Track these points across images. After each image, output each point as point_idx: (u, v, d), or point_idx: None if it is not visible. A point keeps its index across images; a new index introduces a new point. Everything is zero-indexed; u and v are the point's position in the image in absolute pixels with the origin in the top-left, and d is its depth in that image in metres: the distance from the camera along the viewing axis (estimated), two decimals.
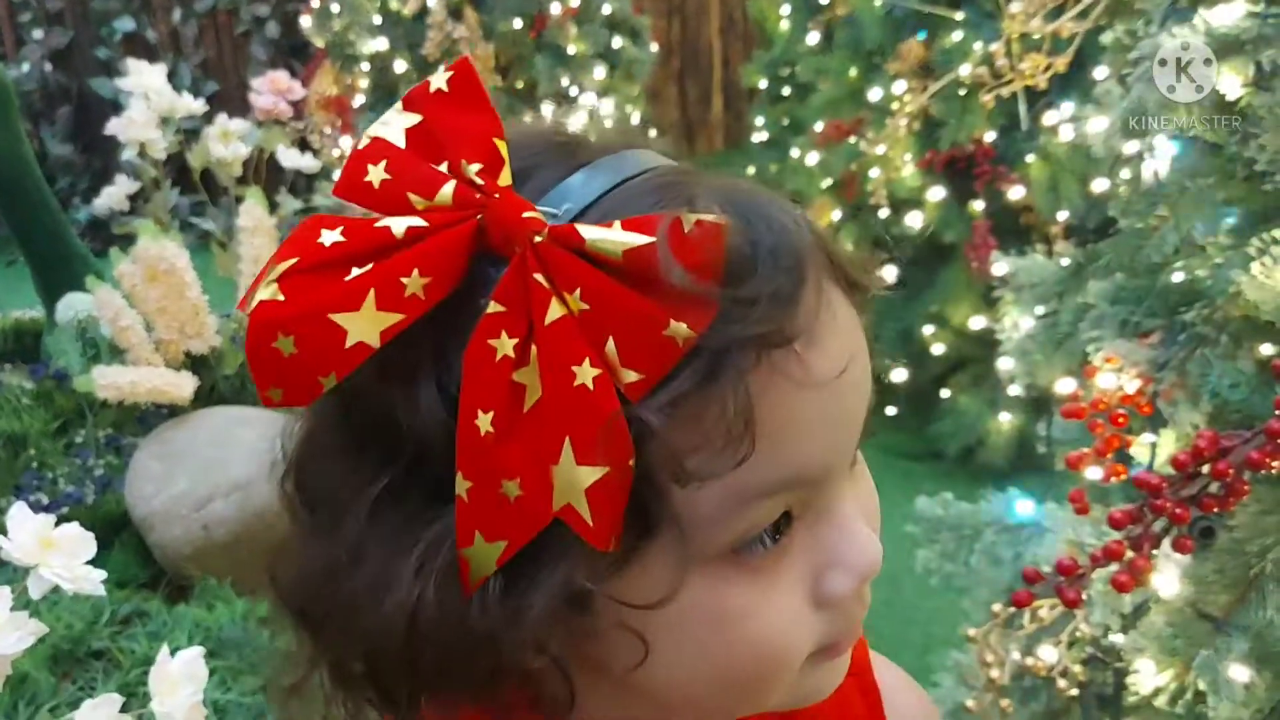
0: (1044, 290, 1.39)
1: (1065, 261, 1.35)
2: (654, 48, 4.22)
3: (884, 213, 2.65)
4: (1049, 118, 2.07)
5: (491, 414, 0.36)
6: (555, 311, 0.36)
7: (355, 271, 0.37)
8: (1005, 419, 2.40)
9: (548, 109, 3.91)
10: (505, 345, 0.36)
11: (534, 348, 0.36)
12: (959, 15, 2.32)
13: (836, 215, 2.81)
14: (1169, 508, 0.90)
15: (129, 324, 2.27)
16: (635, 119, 4.28)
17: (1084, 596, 0.94)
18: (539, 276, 0.36)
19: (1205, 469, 0.90)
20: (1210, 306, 1.05)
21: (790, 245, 0.38)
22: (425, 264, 0.37)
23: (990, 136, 2.35)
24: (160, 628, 2.01)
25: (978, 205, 2.39)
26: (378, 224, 0.37)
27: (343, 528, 0.40)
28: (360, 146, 0.40)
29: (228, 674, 1.88)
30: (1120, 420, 1.19)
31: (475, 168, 0.39)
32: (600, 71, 3.87)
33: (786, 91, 4.18)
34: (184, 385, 2.26)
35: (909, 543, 1.42)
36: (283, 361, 0.36)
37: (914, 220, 2.56)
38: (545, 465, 0.36)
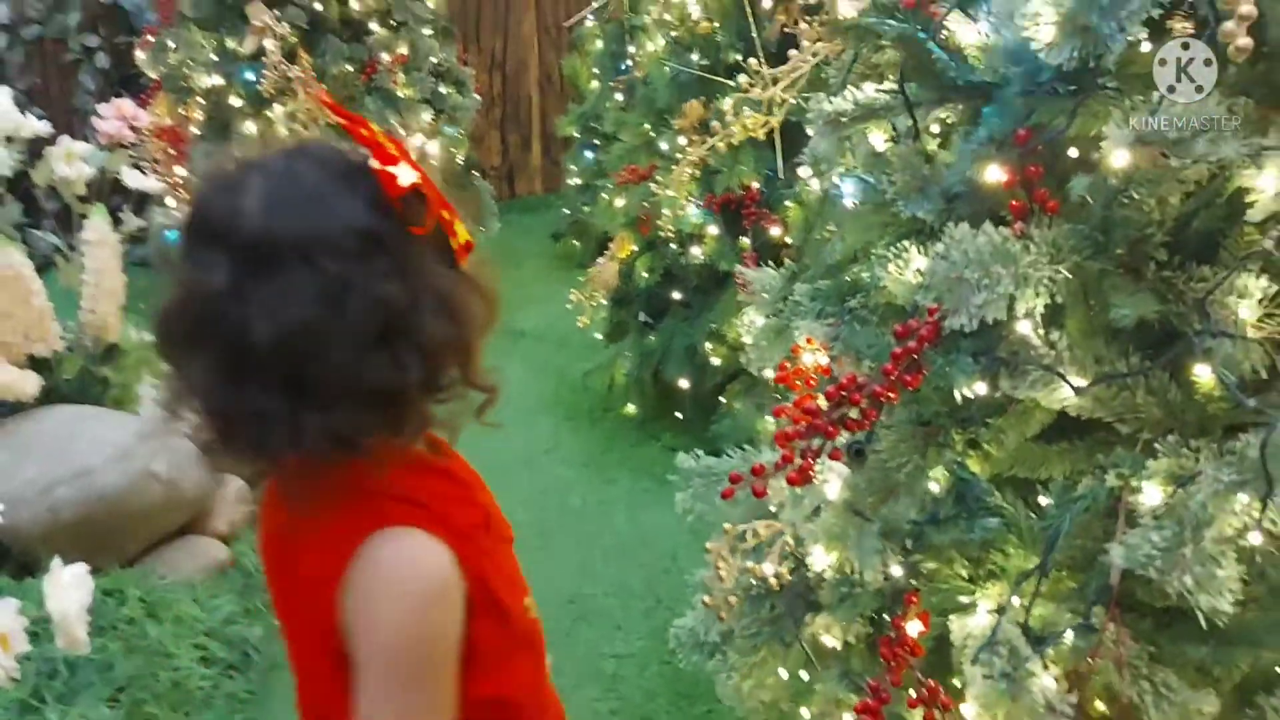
0: (773, 294, 1.81)
1: (785, 272, 1.77)
2: (477, 97, 4.57)
3: (673, 246, 3.08)
4: (802, 171, 2.53)
5: (446, 211, 0.84)
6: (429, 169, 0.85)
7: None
8: (770, 420, 2.84)
9: None
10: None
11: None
12: (732, 82, 2.77)
13: (635, 247, 3.21)
14: (824, 426, 1.30)
15: None
16: (460, 159, 4.61)
17: (769, 491, 1.33)
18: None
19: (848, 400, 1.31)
20: (867, 296, 1.47)
21: None
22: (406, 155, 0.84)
23: (757, 184, 2.81)
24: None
25: (746, 240, 2.84)
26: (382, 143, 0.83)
27: (433, 291, 0.82)
28: (344, 117, 0.86)
29: None
30: (811, 382, 1.61)
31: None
32: (427, 115, 4.19)
33: (596, 141, 4.62)
34: (29, 382, 2.44)
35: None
36: (426, 197, 0.82)
37: (697, 252, 3.00)
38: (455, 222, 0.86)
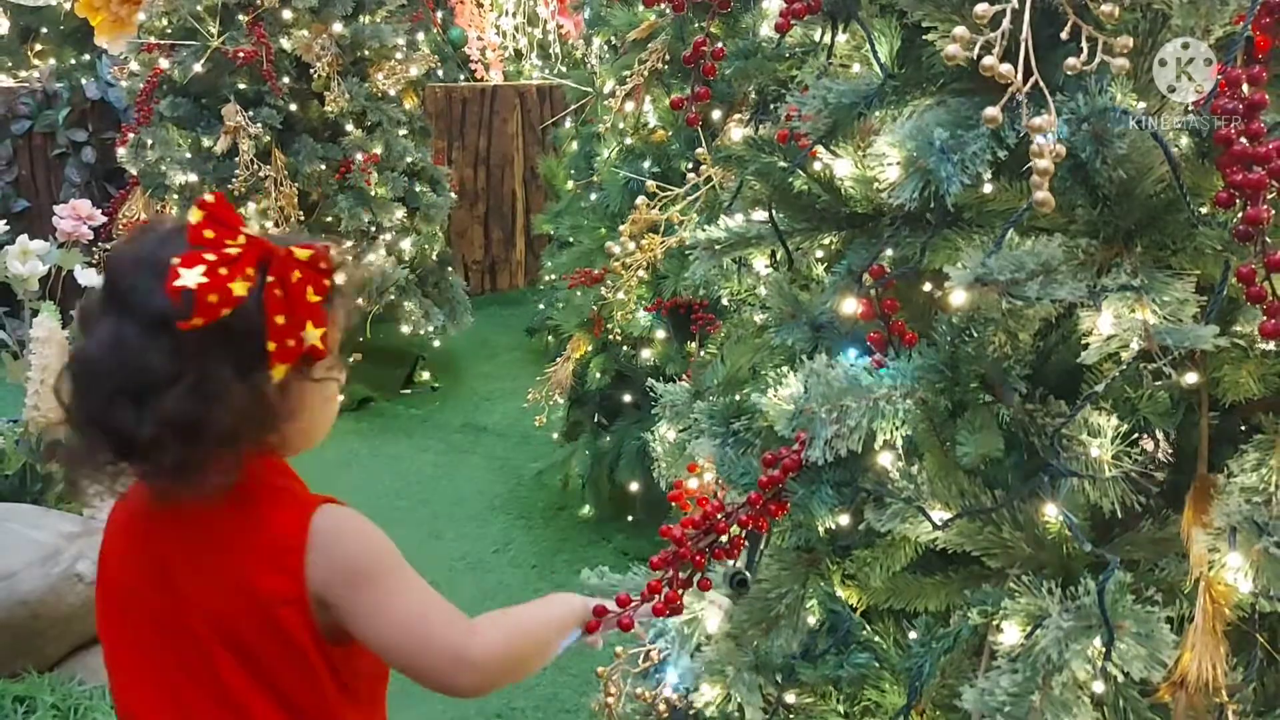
0: (681, 409, 1.80)
1: (690, 387, 1.77)
2: (453, 195, 4.64)
3: (625, 348, 3.09)
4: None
5: (282, 317, 1.00)
6: (294, 277, 1.01)
7: (223, 270, 0.98)
8: None
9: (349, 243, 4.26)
10: (279, 292, 1.00)
11: (289, 291, 1.01)
12: (682, 190, 2.81)
13: (589, 348, 3.22)
14: (689, 555, 1.28)
15: None
16: (434, 255, 4.66)
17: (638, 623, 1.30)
18: (284, 266, 1.01)
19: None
20: (751, 419, 1.46)
21: (339, 256, 1.08)
22: (250, 264, 1.00)
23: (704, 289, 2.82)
24: None
25: (693, 345, 2.85)
26: (225, 251, 0.99)
27: (199, 382, 0.99)
28: (193, 223, 1.01)
29: None
30: (703, 502, 1.59)
31: (246, 230, 1.03)
32: (400, 213, 4.25)
33: (571, 240, 4.68)
34: None
35: None
36: (210, 305, 0.96)
37: (647, 355, 3.00)
38: (299, 332, 1.01)
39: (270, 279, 1.01)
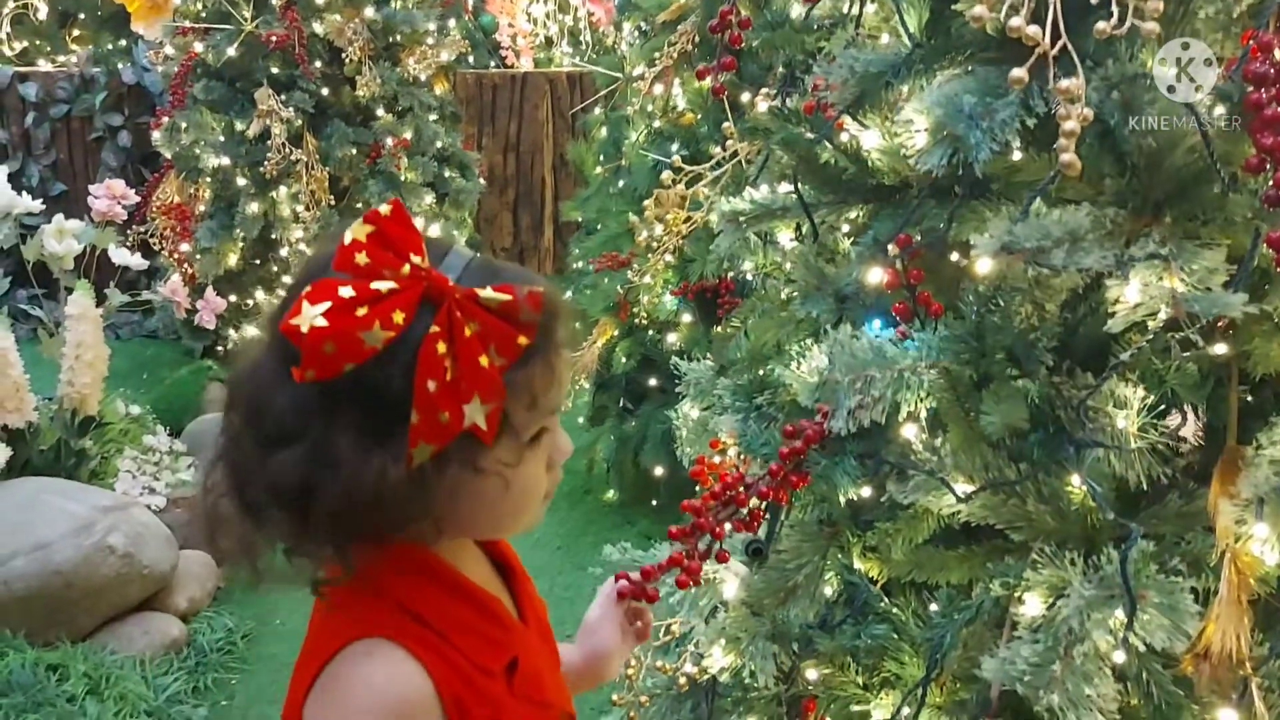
0: (704, 386, 1.80)
1: (714, 365, 1.77)
2: (482, 181, 4.66)
3: (651, 332, 3.10)
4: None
5: (435, 382, 0.73)
6: (468, 331, 0.74)
7: (361, 310, 0.72)
8: None
9: None
10: (442, 347, 0.73)
11: (456, 348, 0.74)
12: (707, 166, 2.80)
13: (615, 333, 3.23)
14: (709, 526, 1.28)
15: None
16: (462, 241, 4.68)
17: (660, 593, 1.31)
18: (458, 313, 0.74)
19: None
20: (774, 393, 1.46)
21: (561, 301, 0.81)
22: (404, 306, 0.74)
23: (733, 272, 2.82)
24: None
25: (719, 328, 2.84)
26: (373, 285, 0.73)
27: (316, 445, 0.75)
28: (346, 241, 0.74)
29: (13, 711, 2.07)
30: (725, 476, 1.59)
31: (418, 259, 0.75)
32: (429, 198, 4.27)
33: (599, 226, 4.68)
34: None
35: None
36: (325, 356, 0.72)
37: (673, 339, 3.00)
38: (461, 405, 0.74)
39: (435, 329, 0.74)
